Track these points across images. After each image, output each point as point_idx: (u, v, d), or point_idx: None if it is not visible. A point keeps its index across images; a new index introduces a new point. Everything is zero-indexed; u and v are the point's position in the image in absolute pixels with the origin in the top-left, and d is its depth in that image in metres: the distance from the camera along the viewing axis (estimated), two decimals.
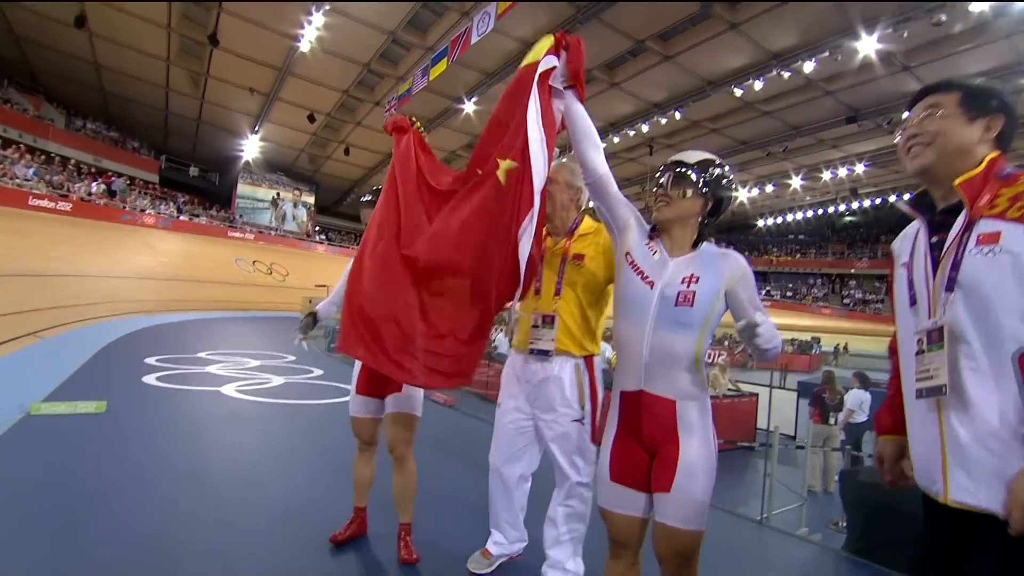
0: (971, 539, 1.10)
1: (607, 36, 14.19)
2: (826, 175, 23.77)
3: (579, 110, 1.79)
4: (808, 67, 13.76)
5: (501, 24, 11.69)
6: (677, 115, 17.66)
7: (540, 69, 1.77)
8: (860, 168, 22.49)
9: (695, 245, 1.55)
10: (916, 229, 1.28)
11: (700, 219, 1.55)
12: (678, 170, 1.53)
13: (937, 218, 1.23)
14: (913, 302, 1.22)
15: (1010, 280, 1.05)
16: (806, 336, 21.56)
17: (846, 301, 35.65)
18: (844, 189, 26.19)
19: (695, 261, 1.52)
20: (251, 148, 25.97)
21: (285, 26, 15.04)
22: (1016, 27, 12.07)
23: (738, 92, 15.72)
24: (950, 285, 1.13)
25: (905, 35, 12.10)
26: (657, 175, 1.59)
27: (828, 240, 38.21)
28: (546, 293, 2.06)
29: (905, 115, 1.34)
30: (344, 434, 3.47)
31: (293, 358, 9.23)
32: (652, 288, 1.50)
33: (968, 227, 1.13)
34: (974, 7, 10.93)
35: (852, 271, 35.90)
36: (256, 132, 23.97)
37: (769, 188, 26.70)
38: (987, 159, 1.17)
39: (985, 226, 1.11)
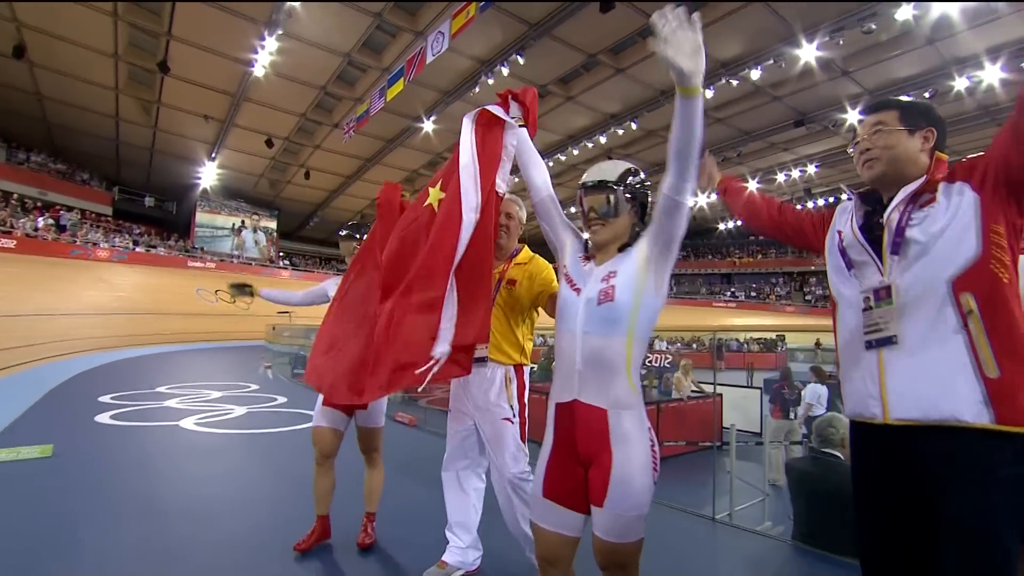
0: (917, 469, 1.28)
1: (560, 52, 14.50)
2: (780, 177, 24.62)
3: (526, 142, 1.91)
4: (755, 75, 14.32)
5: (456, 43, 11.83)
6: (633, 125, 18.11)
7: (499, 114, 1.95)
8: (812, 169, 23.36)
9: (621, 249, 1.56)
10: (852, 207, 1.53)
11: (632, 228, 1.58)
12: (609, 194, 1.54)
13: (875, 204, 1.47)
14: (850, 267, 1.45)
15: (945, 223, 1.29)
16: (771, 335, 22.06)
17: (808, 298, 36.73)
18: (798, 190, 27.14)
19: (616, 261, 1.54)
20: (208, 175, 25.41)
21: (237, 51, 14.89)
22: (937, 33, 12.84)
23: None
24: (895, 249, 1.35)
25: (841, 43, 12.74)
26: (582, 196, 1.60)
27: (768, 234, 39.35)
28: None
29: (857, 120, 1.48)
30: (307, 460, 3.41)
31: (256, 387, 9.00)
32: (579, 295, 1.53)
33: (909, 199, 1.36)
34: (899, 15, 11.58)
35: (812, 268, 37.07)
36: (213, 159, 23.48)
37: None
38: (934, 161, 1.41)
39: (925, 197, 1.35)
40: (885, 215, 1.40)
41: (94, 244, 23.47)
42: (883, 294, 1.35)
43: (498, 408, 2.24)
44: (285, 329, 13.20)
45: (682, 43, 1.28)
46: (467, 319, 1.83)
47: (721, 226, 37.31)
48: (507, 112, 1.95)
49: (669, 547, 2.87)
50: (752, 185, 25.92)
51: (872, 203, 1.49)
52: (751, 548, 3.00)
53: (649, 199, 1.60)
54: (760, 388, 7.59)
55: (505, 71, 14.37)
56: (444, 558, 2.37)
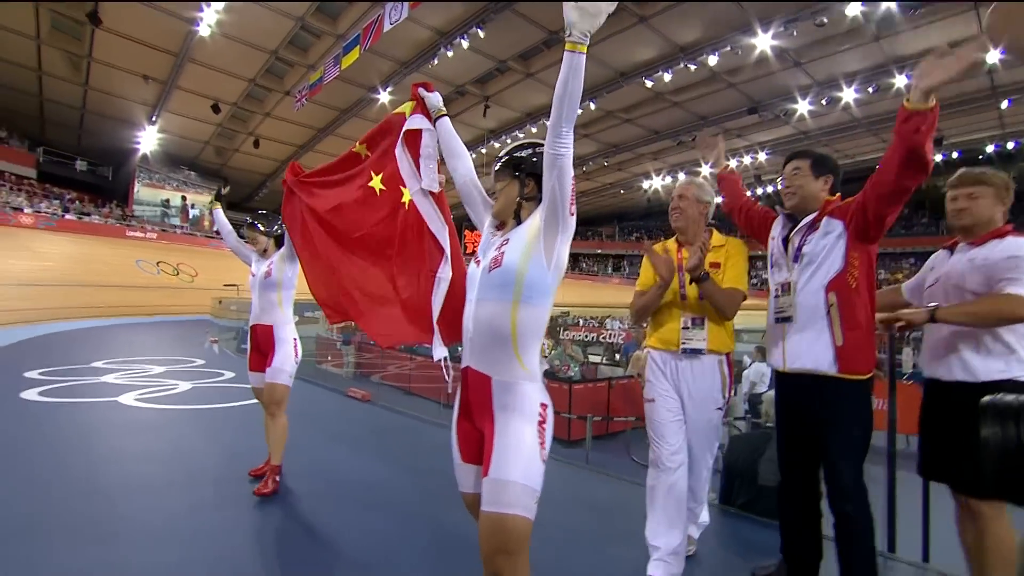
0: (806, 400, 2.00)
1: (521, 27, 14.31)
2: (733, 163, 25.11)
3: (449, 131, 1.96)
4: (712, 60, 14.58)
5: (415, 12, 11.49)
6: (592, 106, 18.14)
7: (406, 128, 2.08)
8: (763, 156, 24.16)
9: (517, 220, 1.58)
10: (782, 219, 2.21)
11: (518, 199, 1.58)
12: (500, 167, 1.62)
13: (793, 224, 2.12)
14: (774, 265, 2.18)
15: (823, 243, 1.98)
16: None
17: (754, 281, 38.32)
18: (749, 176, 28.02)
19: (511, 231, 1.56)
20: (149, 140, 23.77)
21: (180, 8, 13.91)
22: (883, 30, 13.40)
23: (649, 83, 16.39)
24: (796, 257, 2.05)
25: (795, 33, 13.13)
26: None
27: (736, 225, 40.78)
28: (692, 297, 2.29)
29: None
30: (254, 434, 3.35)
31: (203, 362, 8.68)
32: (479, 266, 1.56)
33: (809, 225, 2.03)
34: (849, 10, 12.01)
35: (761, 252, 38.41)
36: (153, 123, 21.94)
37: (681, 175, 28.07)
38: (825, 200, 2.06)
39: (819, 225, 2.00)
40: (792, 233, 2.09)
41: (16, 209, 21.75)
42: (786, 288, 2.07)
43: (713, 399, 2.27)
44: (232, 302, 12.73)
45: (586, 5, 1.35)
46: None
47: (573, 211, 38.12)
48: (423, 108, 2.05)
49: (628, 514, 2.98)
50: (705, 170, 26.62)
51: (791, 222, 2.13)
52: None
53: (538, 170, 1.53)
54: None
55: (465, 44, 14.09)
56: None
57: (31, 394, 5.42)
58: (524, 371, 1.44)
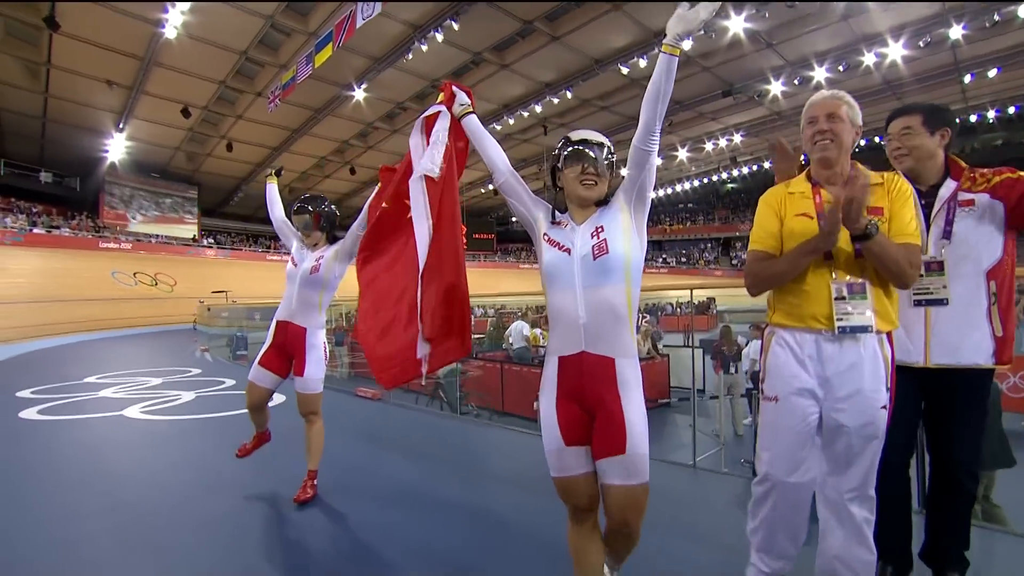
0: (937, 391, 1.85)
1: (496, 18, 14.24)
2: (708, 146, 25.67)
3: (477, 128, 1.96)
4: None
5: (388, 7, 11.37)
6: (568, 94, 18.20)
7: (426, 113, 2.10)
8: (738, 138, 24.51)
9: (599, 206, 1.67)
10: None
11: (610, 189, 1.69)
12: (607, 153, 1.67)
13: (925, 192, 1.89)
14: None
15: (981, 225, 1.80)
16: (702, 297, 23.28)
17: (734, 262, 38.93)
18: (725, 158, 28.44)
19: (599, 217, 1.64)
20: (117, 148, 23.17)
21: (143, 9, 13.52)
22: (851, 10, 13.67)
23: (624, 70, 16.48)
24: (947, 234, 1.82)
25: (767, 16, 13.32)
26: (575, 153, 1.65)
27: (714, 207, 41.37)
28: (842, 257, 1.64)
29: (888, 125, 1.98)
30: (276, 440, 3.35)
31: (199, 371, 8.56)
32: (570, 255, 1.59)
33: (953, 197, 1.83)
34: None
35: (737, 234, 39.20)
36: (121, 130, 21.34)
37: (659, 160, 28.34)
38: (950, 160, 1.89)
39: (964, 196, 1.82)
40: (932, 206, 1.86)
41: None
42: (934, 267, 1.82)
43: (875, 395, 1.59)
44: (222, 310, 12.54)
45: (685, 12, 1.53)
46: (439, 323, 1.98)
47: (652, 194, 38.40)
48: (452, 102, 2.04)
49: (661, 491, 3.01)
50: (682, 154, 26.92)
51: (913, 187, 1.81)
52: (730, 489, 3.21)
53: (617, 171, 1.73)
54: (700, 348, 8.08)
55: (439, 37, 13.98)
56: None
57: (30, 413, 5.29)
58: (634, 344, 1.58)
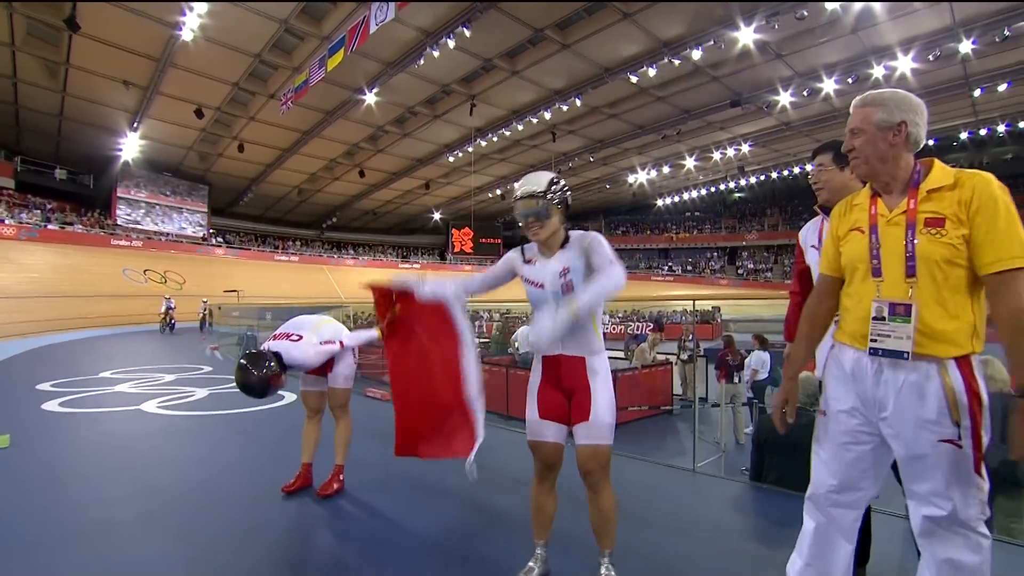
0: None
1: (507, 25, 14.40)
2: (716, 155, 25.73)
3: (444, 294, 2.33)
4: (696, 55, 14.81)
5: (401, 12, 11.53)
6: (577, 102, 18.33)
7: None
8: (745, 148, 24.57)
9: (563, 244, 2.03)
10: (819, 220, 2.11)
11: (564, 225, 2.04)
12: (539, 200, 1.96)
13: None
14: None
15: None
16: (707, 306, 23.29)
17: (740, 271, 38.87)
18: (732, 167, 28.46)
19: (564, 255, 2.01)
20: (131, 147, 23.49)
21: (162, 12, 13.78)
22: (860, 23, 13.75)
23: (633, 79, 16.60)
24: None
25: (776, 27, 13.41)
26: (518, 211, 2.00)
27: (721, 216, 41.32)
28: (891, 274, 1.49)
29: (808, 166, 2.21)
30: (288, 435, 3.44)
31: (210, 369, 8.69)
32: (544, 289, 2.01)
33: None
34: (828, 4, 12.32)
35: (743, 243, 39.14)
36: (135, 129, 21.65)
37: (666, 169, 28.46)
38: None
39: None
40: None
41: None
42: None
43: (932, 426, 1.42)
44: (232, 309, 12.70)
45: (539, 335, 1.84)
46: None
47: (659, 202, 38.57)
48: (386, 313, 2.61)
49: (663, 492, 3.18)
50: (690, 163, 26.97)
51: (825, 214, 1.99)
52: (730, 491, 3.30)
53: (568, 197, 2.05)
54: (704, 356, 8.15)
55: (451, 43, 14.15)
56: None
57: (52, 405, 5.43)
58: (600, 341, 2.03)
